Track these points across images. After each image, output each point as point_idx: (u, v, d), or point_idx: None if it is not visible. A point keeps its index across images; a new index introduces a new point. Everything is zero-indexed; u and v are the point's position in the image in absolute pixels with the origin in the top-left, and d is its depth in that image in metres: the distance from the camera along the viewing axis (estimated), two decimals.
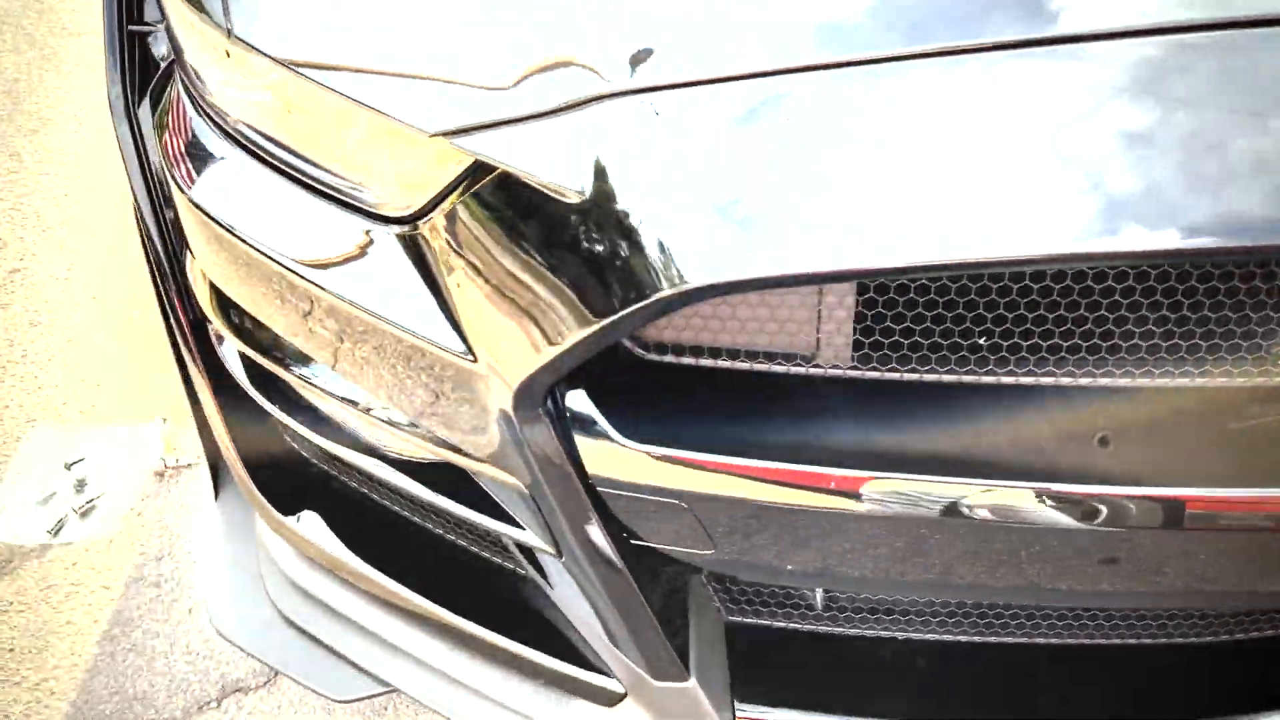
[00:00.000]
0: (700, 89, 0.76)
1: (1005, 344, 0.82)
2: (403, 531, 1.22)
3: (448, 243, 0.87)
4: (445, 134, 0.82)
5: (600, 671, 1.13)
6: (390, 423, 1.01)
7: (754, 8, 0.77)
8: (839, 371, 0.86)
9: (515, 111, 0.80)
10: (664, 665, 1.01)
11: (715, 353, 0.88)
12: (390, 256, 0.91)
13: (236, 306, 1.08)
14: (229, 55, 0.93)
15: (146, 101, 1.13)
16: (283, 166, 0.98)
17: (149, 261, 1.24)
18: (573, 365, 0.83)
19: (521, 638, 1.15)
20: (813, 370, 0.88)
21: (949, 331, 0.84)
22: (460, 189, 0.86)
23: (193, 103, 1.06)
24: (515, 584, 1.18)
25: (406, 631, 1.23)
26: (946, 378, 0.85)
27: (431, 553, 1.21)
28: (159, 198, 1.14)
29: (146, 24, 1.14)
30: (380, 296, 0.93)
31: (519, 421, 0.87)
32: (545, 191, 0.79)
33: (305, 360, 1.05)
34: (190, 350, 1.19)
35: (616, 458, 0.89)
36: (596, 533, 0.93)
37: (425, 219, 0.89)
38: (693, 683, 1.02)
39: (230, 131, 1.00)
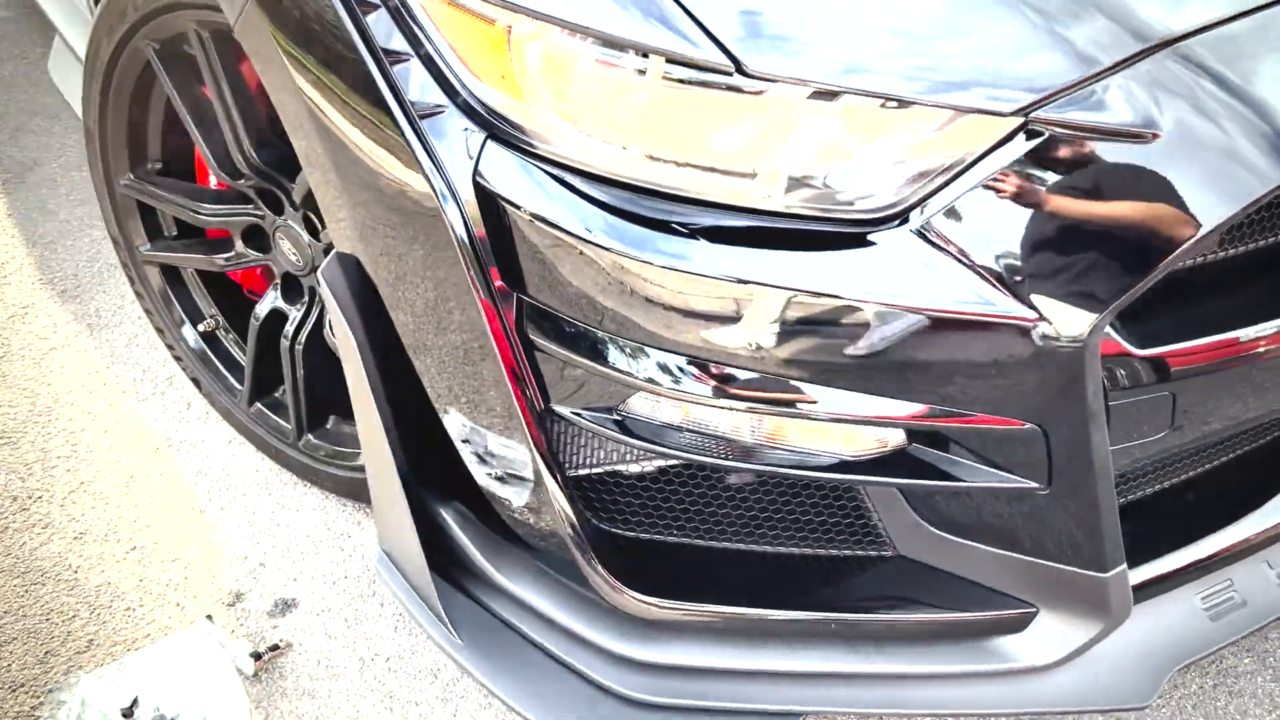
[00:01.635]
0: (1222, 27, 0.97)
1: None
2: (774, 563, 1.23)
3: (994, 218, 0.97)
4: (1023, 112, 0.94)
5: (998, 608, 1.25)
6: (865, 418, 1.06)
7: None
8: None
9: (1077, 77, 0.94)
10: (1112, 554, 1.17)
11: None
12: (919, 249, 0.99)
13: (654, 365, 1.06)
14: (731, 90, 0.95)
15: (468, 196, 1.04)
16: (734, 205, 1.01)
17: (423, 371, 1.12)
18: (1145, 290, 0.98)
19: (909, 609, 1.24)
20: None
21: None
22: (994, 160, 0.96)
23: (547, 162, 1.03)
24: (865, 560, 1.26)
25: (785, 657, 1.24)
26: None
27: (798, 572, 1.24)
28: (485, 275, 1.06)
29: (438, 107, 1.05)
30: (897, 285, 0.99)
31: (1088, 357, 0.99)
32: (1119, 141, 0.94)
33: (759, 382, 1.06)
34: (544, 453, 1.11)
35: (1131, 369, 1.05)
36: (1103, 445, 1.07)
37: (937, 202, 0.98)
38: (1124, 565, 1.19)
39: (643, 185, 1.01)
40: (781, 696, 1.26)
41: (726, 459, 1.11)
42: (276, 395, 1.71)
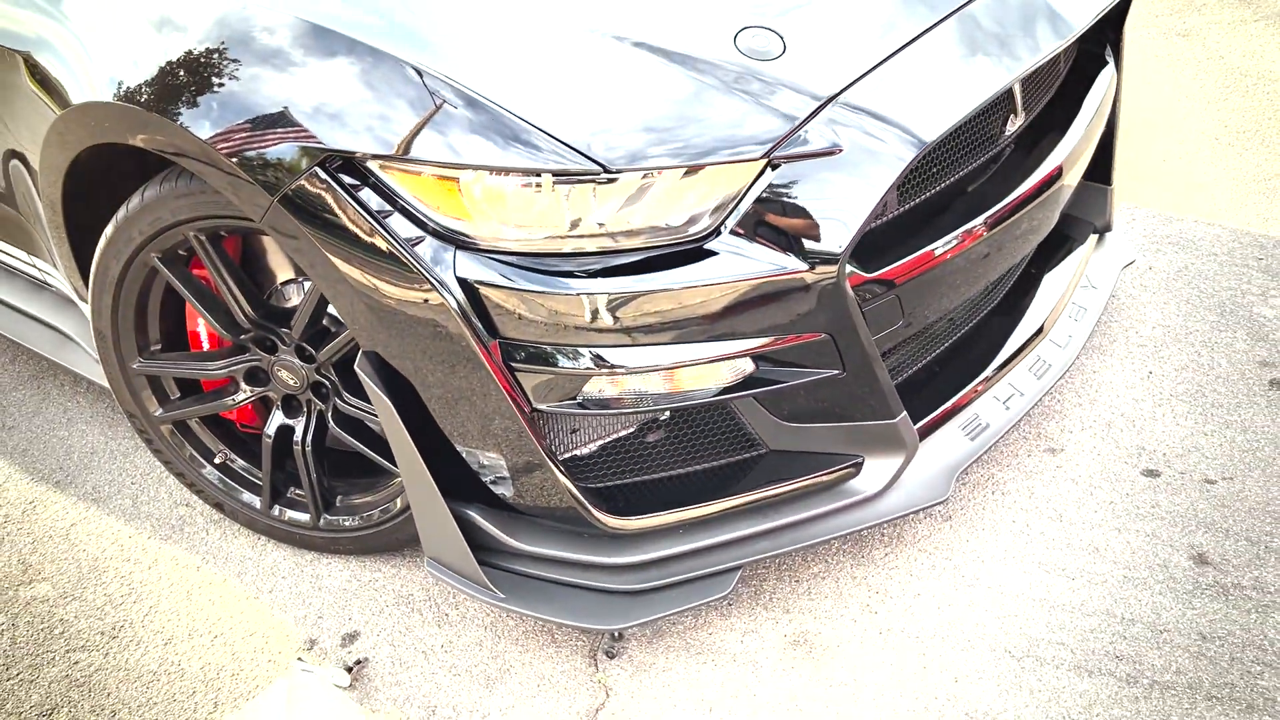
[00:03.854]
0: (865, 77, 1.74)
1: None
2: (699, 477, 1.91)
3: (767, 218, 1.69)
4: (766, 156, 1.66)
5: (838, 465, 1.95)
6: (725, 355, 1.75)
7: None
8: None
9: (790, 127, 1.68)
10: (894, 406, 1.90)
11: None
12: (729, 248, 1.69)
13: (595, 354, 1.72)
14: (606, 185, 1.63)
15: (455, 287, 1.68)
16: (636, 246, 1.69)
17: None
18: (871, 223, 1.72)
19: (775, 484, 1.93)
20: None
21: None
22: (758, 186, 1.69)
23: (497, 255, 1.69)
24: (752, 460, 1.95)
25: (722, 533, 1.91)
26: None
27: (715, 478, 1.92)
28: (476, 330, 1.70)
29: (419, 237, 1.68)
30: (723, 272, 1.70)
31: (847, 282, 1.72)
32: (821, 158, 1.69)
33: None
34: (541, 442, 1.76)
35: (869, 286, 1.79)
36: (868, 336, 1.80)
37: (734, 216, 1.69)
38: (904, 412, 1.92)
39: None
40: (725, 559, 1.92)
41: (649, 407, 1.78)
42: (288, 495, 2.25)
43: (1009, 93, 2.03)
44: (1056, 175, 2.14)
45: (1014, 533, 2.19)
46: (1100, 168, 2.57)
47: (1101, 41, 2.48)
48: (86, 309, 2.34)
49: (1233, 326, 2.69)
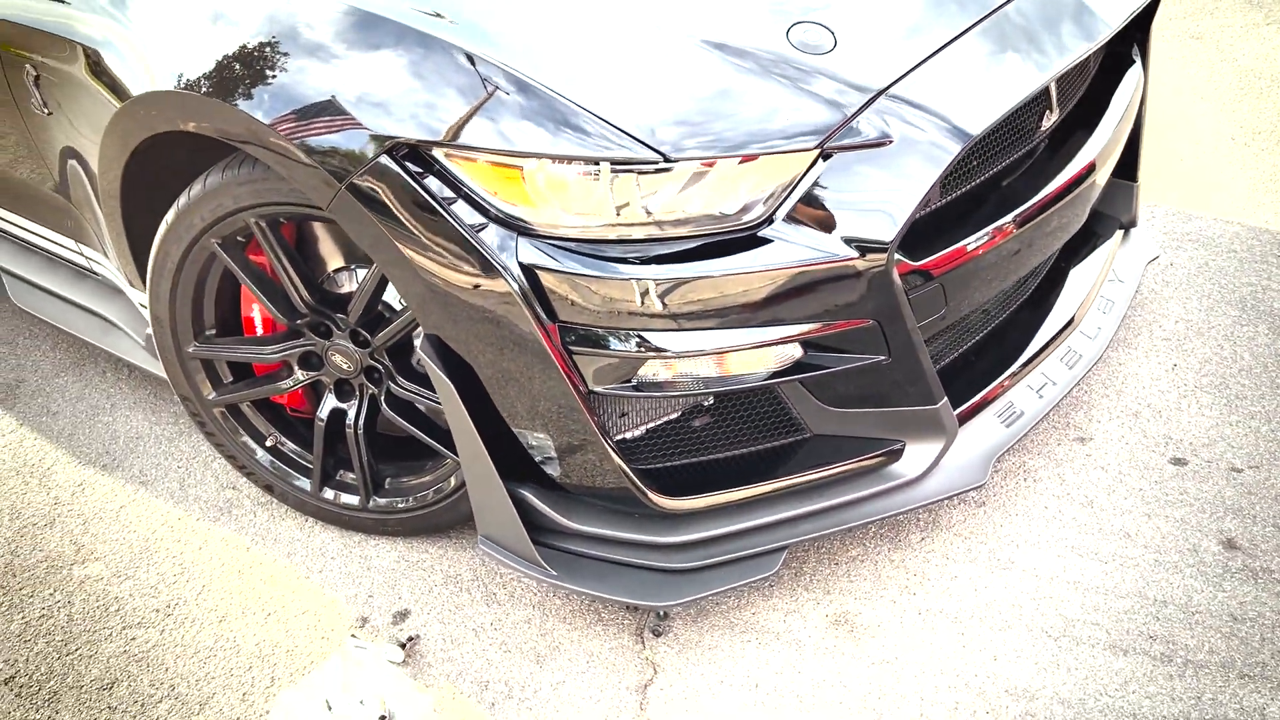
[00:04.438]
0: (913, 72, 1.79)
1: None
2: (747, 459, 1.96)
3: (819, 207, 1.75)
4: (819, 146, 1.72)
5: (880, 450, 2.01)
6: (776, 340, 1.80)
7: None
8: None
9: (841, 118, 1.74)
10: (936, 392, 1.95)
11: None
12: (782, 235, 1.75)
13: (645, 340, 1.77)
14: (666, 172, 1.68)
15: (518, 272, 1.73)
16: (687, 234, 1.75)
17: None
18: (918, 214, 1.77)
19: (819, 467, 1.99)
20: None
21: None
22: (810, 176, 1.74)
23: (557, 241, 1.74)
24: (797, 444, 2.00)
25: (769, 514, 1.96)
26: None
27: (762, 461, 1.97)
28: (537, 314, 1.75)
29: (482, 224, 1.73)
30: (776, 259, 1.75)
31: (895, 270, 1.77)
32: (872, 149, 1.74)
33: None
34: (597, 423, 1.81)
35: (915, 274, 1.84)
36: (913, 323, 1.85)
37: (787, 204, 1.75)
38: (945, 398, 1.97)
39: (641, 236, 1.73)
40: (771, 539, 1.98)
41: (700, 390, 1.83)
42: (337, 478, 2.30)
43: (1045, 89, 2.09)
44: (1089, 171, 2.20)
45: (1046, 518, 2.25)
46: (1126, 165, 2.62)
47: (1128, 42, 2.54)
48: (136, 296, 2.39)
49: (1254, 321, 2.74)
